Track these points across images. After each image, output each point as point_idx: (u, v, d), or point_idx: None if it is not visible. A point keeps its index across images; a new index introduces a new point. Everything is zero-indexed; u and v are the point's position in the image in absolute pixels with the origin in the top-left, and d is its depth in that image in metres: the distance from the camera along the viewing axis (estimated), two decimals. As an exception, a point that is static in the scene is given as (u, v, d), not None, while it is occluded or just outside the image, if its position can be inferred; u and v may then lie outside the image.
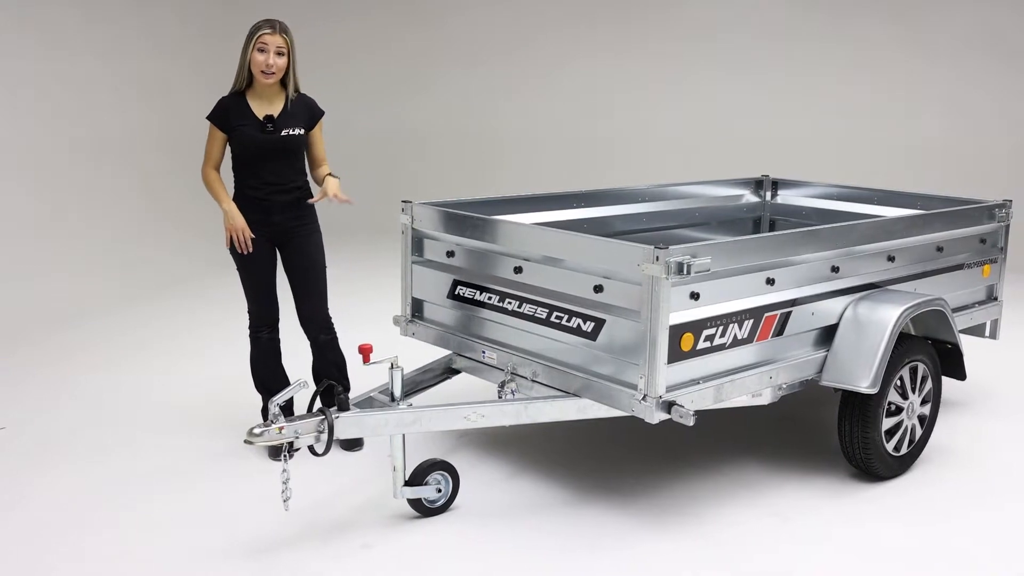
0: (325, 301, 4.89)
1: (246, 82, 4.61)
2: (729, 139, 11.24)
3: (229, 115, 4.60)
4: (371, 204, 11.17)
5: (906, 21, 10.73)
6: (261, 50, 4.51)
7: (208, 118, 4.64)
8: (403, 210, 4.84)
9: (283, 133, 4.63)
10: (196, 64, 10.84)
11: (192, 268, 9.26)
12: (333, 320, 4.97)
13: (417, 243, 4.85)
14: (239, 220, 4.61)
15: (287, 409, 4.89)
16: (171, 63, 10.54)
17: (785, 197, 6.57)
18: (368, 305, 7.75)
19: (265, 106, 4.63)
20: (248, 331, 4.88)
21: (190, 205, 10.26)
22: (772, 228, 6.55)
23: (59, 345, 6.83)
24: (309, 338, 4.91)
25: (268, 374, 4.91)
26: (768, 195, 6.61)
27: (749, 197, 6.56)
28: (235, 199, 4.69)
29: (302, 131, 4.71)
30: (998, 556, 3.91)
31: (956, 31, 10.57)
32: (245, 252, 4.64)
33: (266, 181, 4.65)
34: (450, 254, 4.68)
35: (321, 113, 4.83)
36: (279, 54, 4.53)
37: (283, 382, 4.92)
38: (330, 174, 4.77)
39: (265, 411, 4.81)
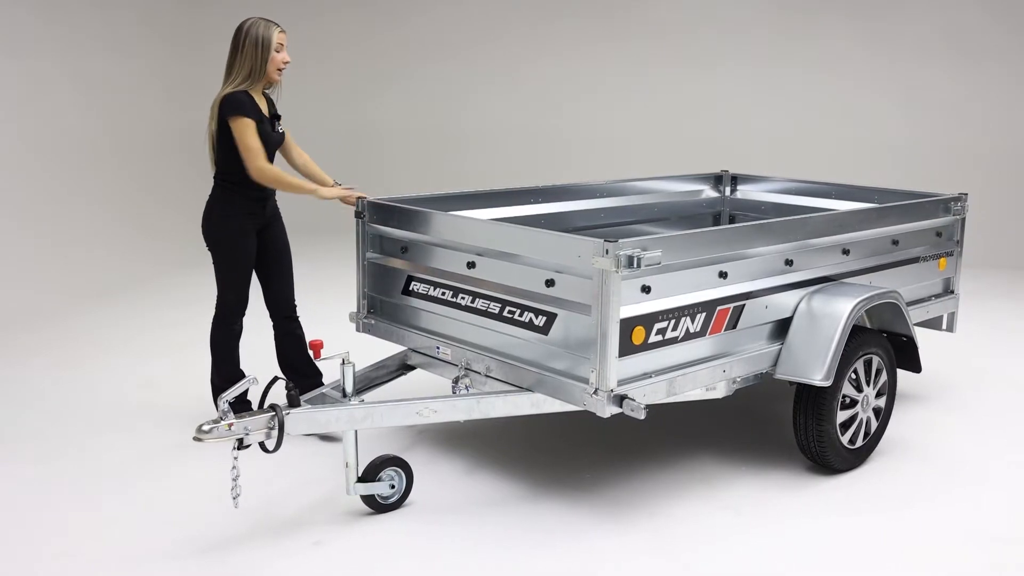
0: (293, 283, 5.07)
1: (252, 81, 4.69)
2: (690, 135, 11.26)
3: (255, 107, 4.69)
4: (333, 202, 11.10)
5: (868, 18, 10.78)
6: (278, 50, 4.69)
7: (244, 114, 4.61)
8: (357, 206, 4.82)
9: (280, 130, 4.89)
10: (156, 66, 10.74)
11: (152, 269, 9.17)
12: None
13: (371, 239, 4.82)
14: (339, 189, 4.84)
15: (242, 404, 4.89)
16: (131, 64, 10.43)
17: (745, 192, 6.58)
18: (325, 302, 7.71)
19: (261, 104, 4.77)
20: (220, 325, 4.89)
21: (150, 206, 10.18)
22: (732, 223, 6.55)
23: (16, 346, 6.74)
24: (275, 320, 5.03)
25: (234, 368, 4.96)
26: (727, 190, 6.62)
27: (708, 192, 6.57)
28: (228, 194, 4.77)
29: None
30: (952, 548, 3.93)
31: (919, 28, 10.64)
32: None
33: None
34: (404, 250, 4.66)
35: None
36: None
37: (240, 377, 4.93)
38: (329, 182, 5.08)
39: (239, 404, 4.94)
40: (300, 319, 5.12)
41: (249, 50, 4.63)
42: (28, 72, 8.96)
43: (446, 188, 8.42)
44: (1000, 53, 10.40)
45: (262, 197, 4.84)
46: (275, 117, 4.87)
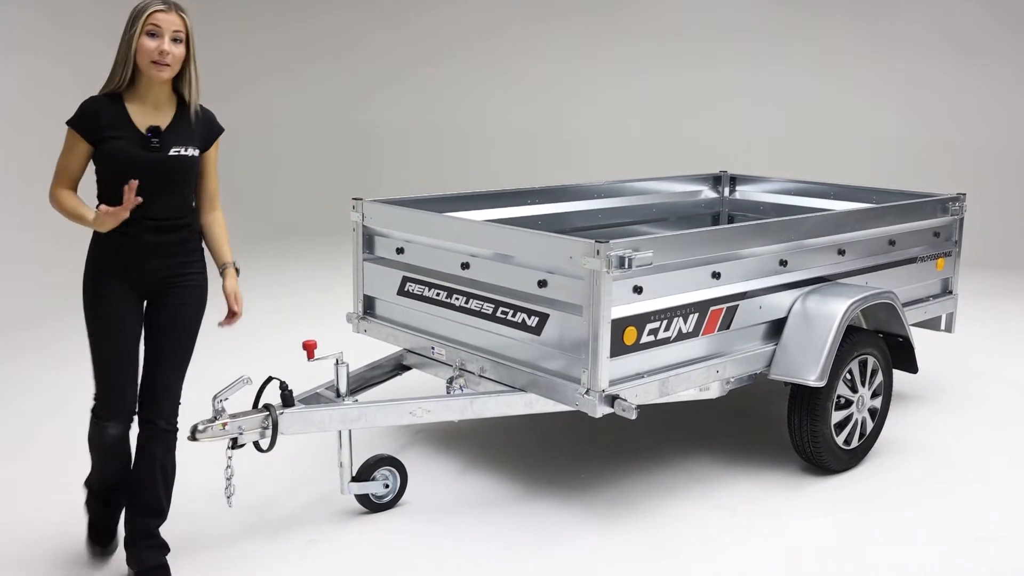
0: (179, 381, 3.63)
1: (127, 81, 3.39)
2: (689, 135, 11.26)
3: (99, 121, 3.38)
4: (331, 202, 11.13)
5: (868, 17, 10.77)
6: (152, 34, 3.32)
7: (69, 123, 3.41)
8: (354, 207, 4.83)
9: (172, 152, 3.43)
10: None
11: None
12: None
13: (368, 240, 4.83)
14: (110, 207, 3.31)
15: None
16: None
17: (743, 193, 6.58)
18: (321, 302, 7.72)
19: (150, 115, 3.43)
20: (91, 419, 3.61)
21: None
22: (730, 224, 6.54)
23: (16, 345, 6.76)
24: (141, 422, 3.58)
25: (108, 481, 3.73)
26: (726, 191, 6.62)
27: (707, 193, 6.57)
28: (98, 238, 3.52)
29: (196, 152, 3.52)
30: (947, 549, 3.93)
31: (919, 27, 10.63)
32: (131, 205, 3.27)
33: (141, 215, 3.41)
34: (400, 251, 4.67)
35: (220, 131, 3.64)
36: (176, 40, 3.36)
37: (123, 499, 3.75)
38: (231, 264, 3.69)
39: (94, 529, 3.81)
40: (174, 432, 3.63)
41: (122, 38, 3.37)
42: (30, 71, 8.98)
43: (445, 188, 8.45)
44: (1000, 52, 10.38)
45: (135, 242, 3.45)
46: (155, 131, 3.40)
